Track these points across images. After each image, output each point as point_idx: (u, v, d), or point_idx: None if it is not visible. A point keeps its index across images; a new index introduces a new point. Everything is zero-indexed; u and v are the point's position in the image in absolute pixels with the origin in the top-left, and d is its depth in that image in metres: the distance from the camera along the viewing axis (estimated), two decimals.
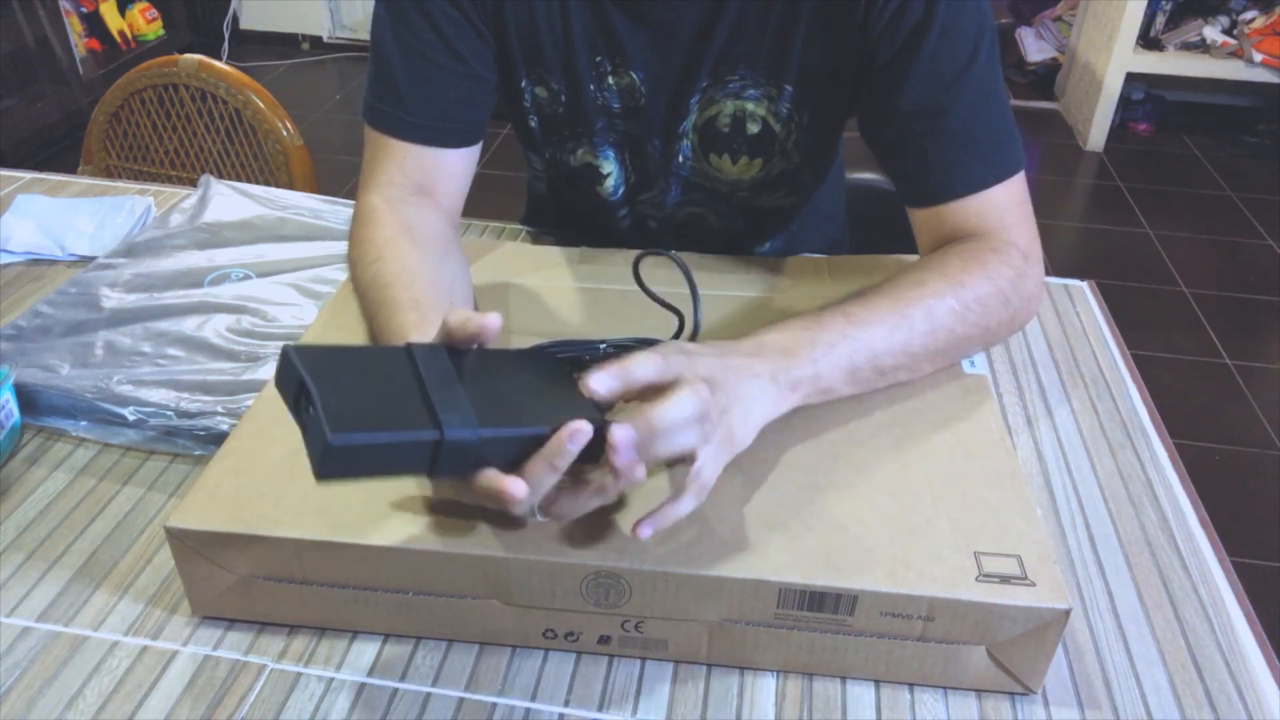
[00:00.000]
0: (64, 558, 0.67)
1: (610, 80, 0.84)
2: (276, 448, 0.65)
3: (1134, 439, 0.78)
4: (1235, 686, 0.60)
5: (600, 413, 0.54)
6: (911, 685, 0.59)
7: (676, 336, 0.72)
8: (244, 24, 3.97)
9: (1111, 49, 3.05)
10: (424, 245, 0.76)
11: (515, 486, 0.50)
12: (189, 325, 0.85)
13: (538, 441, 0.51)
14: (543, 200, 1.07)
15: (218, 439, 0.73)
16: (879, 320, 0.67)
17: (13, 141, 2.88)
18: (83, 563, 0.67)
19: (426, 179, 0.82)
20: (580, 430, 0.50)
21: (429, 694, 0.59)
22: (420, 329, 0.65)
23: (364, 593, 0.60)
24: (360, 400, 0.47)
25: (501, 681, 0.59)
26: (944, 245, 0.76)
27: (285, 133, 1.42)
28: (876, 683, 0.60)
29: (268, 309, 0.87)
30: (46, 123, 3.01)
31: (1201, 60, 3.08)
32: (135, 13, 3.46)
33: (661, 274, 0.89)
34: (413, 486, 0.61)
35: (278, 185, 1.35)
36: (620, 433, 0.51)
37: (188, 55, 1.45)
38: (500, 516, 0.58)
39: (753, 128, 0.84)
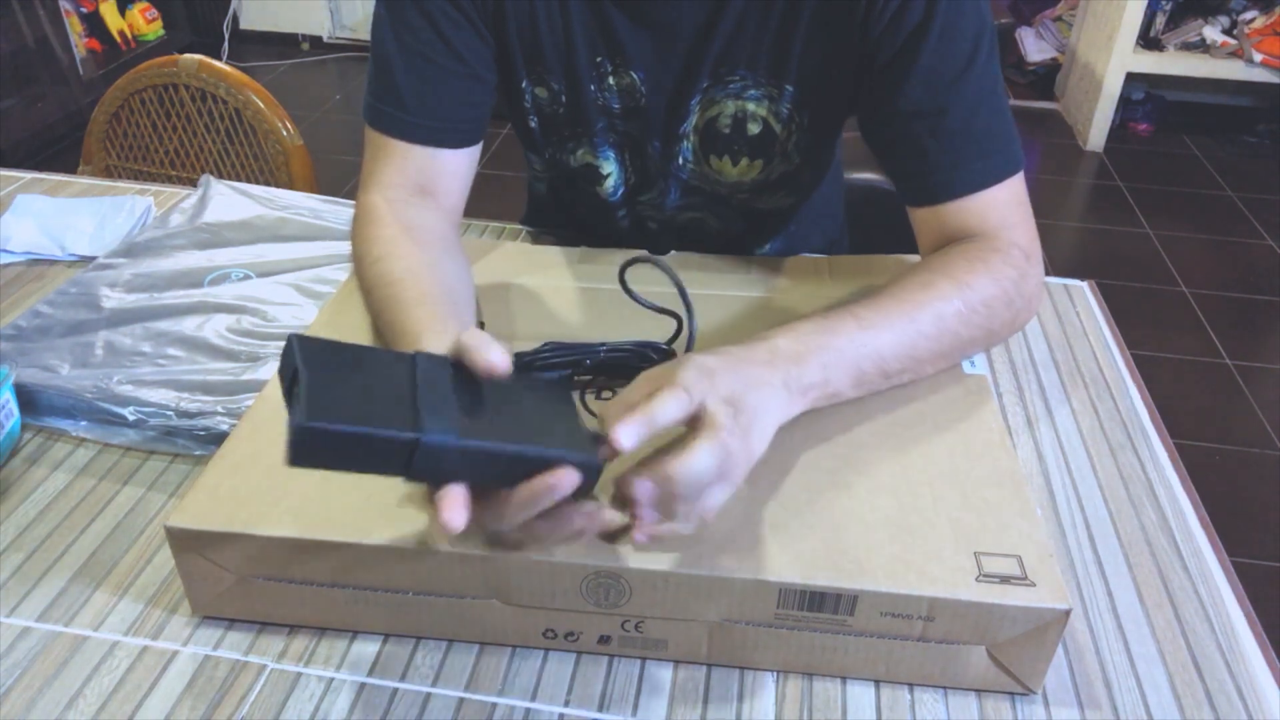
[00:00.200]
0: (64, 558, 0.67)
1: (610, 80, 0.84)
2: (276, 448, 0.64)
3: (1134, 439, 0.78)
4: (1235, 686, 0.60)
5: (594, 444, 0.53)
6: (911, 685, 0.59)
7: (674, 338, 0.72)
8: (244, 24, 3.97)
9: (1111, 49, 3.06)
10: (427, 245, 0.76)
11: (452, 518, 0.48)
12: (189, 325, 0.85)
13: (520, 461, 0.50)
14: (543, 200, 1.07)
15: (218, 439, 0.73)
16: (887, 324, 0.67)
17: (13, 141, 2.88)
18: (83, 563, 0.67)
19: (427, 179, 0.82)
20: (564, 481, 0.49)
21: (429, 694, 0.59)
22: (430, 326, 0.64)
23: (364, 593, 0.60)
24: (347, 392, 0.47)
25: (501, 681, 0.59)
26: (946, 245, 0.76)
27: (285, 133, 1.42)
28: (876, 683, 0.60)
29: (268, 309, 0.87)
30: (46, 123, 3.01)
31: (1201, 60, 3.08)
32: (135, 13, 3.46)
33: (658, 274, 0.89)
34: (412, 486, 0.61)
35: (278, 185, 1.35)
36: (640, 488, 0.51)
37: (188, 55, 1.45)
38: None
39: (753, 128, 0.84)
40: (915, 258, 0.82)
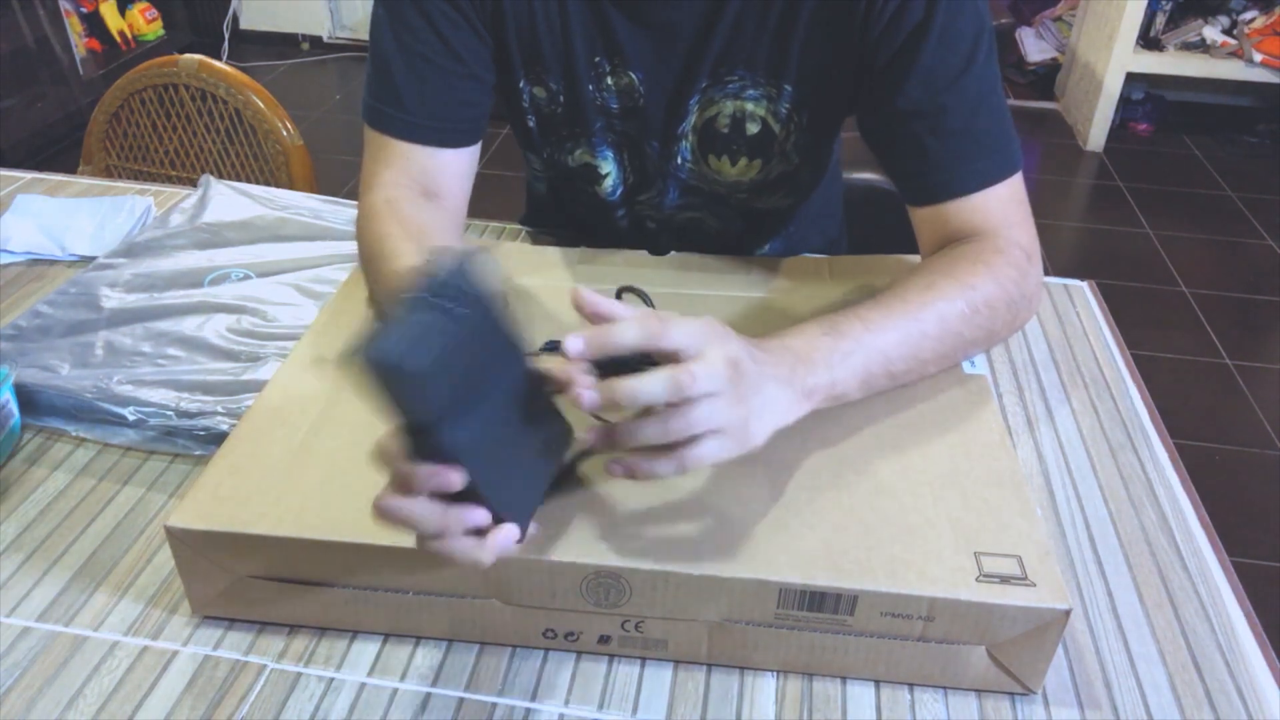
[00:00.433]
0: (64, 558, 0.67)
1: (609, 80, 0.84)
2: (276, 448, 0.65)
3: (1134, 439, 0.78)
4: (1235, 686, 0.60)
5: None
6: (911, 685, 0.59)
7: None
8: (244, 24, 3.96)
9: (1111, 49, 3.05)
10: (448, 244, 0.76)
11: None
12: (189, 325, 0.85)
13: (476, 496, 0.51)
14: (542, 200, 1.07)
15: (218, 439, 0.73)
16: (893, 326, 0.67)
17: (13, 141, 2.88)
18: (83, 563, 0.67)
19: (430, 180, 0.82)
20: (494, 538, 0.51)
21: (429, 694, 0.59)
22: None
23: (364, 593, 0.60)
24: (426, 346, 0.45)
25: (501, 681, 0.59)
26: (946, 244, 0.76)
27: (285, 133, 1.42)
28: (876, 683, 0.60)
29: (268, 309, 0.87)
30: (46, 123, 3.01)
31: (1201, 60, 3.08)
32: (135, 13, 3.46)
33: (660, 275, 0.89)
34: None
35: (278, 185, 1.35)
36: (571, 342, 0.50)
37: (188, 55, 1.45)
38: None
39: (752, 128, 0.84)
40: (915, 258, 0.82)
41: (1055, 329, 0.91)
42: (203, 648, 0.61)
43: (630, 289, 0.73)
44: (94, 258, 0.98)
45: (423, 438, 0.48)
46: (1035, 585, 0.56)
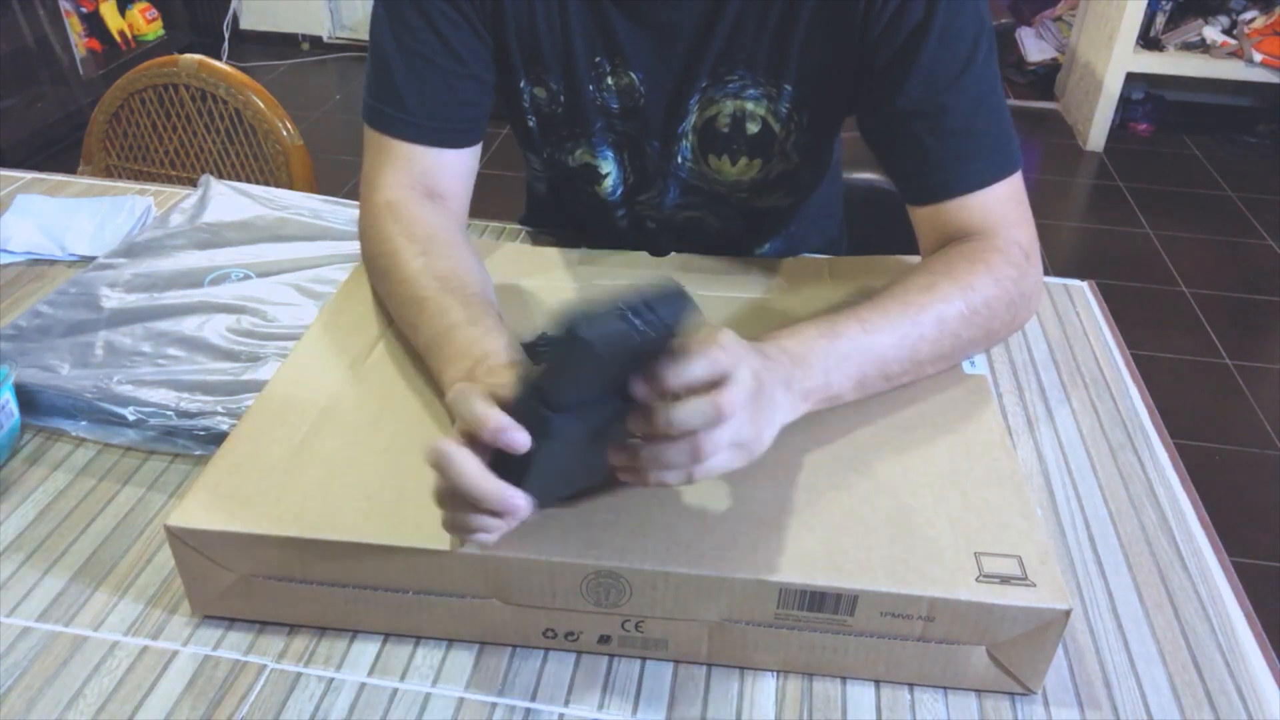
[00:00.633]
0: (64, 558, 0.67)
1: (609, 80, 0.84)
2: (276, 448, 0.65)
3: (1134, 439, 0.78)
4: (1235, 686, 0.60)
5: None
6: (911, 685, 0.59)
7: None
8: (244, 24, 3.96)
9: (1111, 49, 3.05)
10: (456, 246, 0.77)
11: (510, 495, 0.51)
12: (189, 325, 0.85)
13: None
14: (542, 200, 1.07)
15: (218, 439, 0.73)
16: (891, 328, 0.67)
17: (13, 141, 2.88)
18: (83, 563, 0.67)
19: (431, 180, 0.82)
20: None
21: (429, 694, 0.59)
22: (493, 333, 0.65)
23: (364, 592, 0.60)
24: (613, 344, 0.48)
25: (501, 681, 0.59)
26: (946, 243, 0.76)
27: (285, 133, 1.42)
28: (876, 683, 0.60)
29: (268, 309, 0.87)
30: (46, 123, 3.00)
31: (1201, 60, 3.08)
32: (135, 13, 3.46)
33: (658, 275, 0.89)
34: (411, 486, 0.61)
35: (278, 185, 1.35)
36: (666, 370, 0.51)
37: (188, 55, 1.45)
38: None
39: (752, 128, 0.84)
40: (915, 258, 0.82)
41: (1055, 329, 0.91)
42: (203, 648, 0.61)
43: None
44: (94, 258, 0.98)
45: (539, 410, 0.50)
46: (1035, 585, 0.56)
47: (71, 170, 1.32)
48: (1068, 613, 0.55)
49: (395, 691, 0.59)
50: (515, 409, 0.51)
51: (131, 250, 0.96)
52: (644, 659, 0.61)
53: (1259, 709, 0.58)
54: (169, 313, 0.86)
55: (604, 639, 0.60)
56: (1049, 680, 0.59)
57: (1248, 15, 3.08)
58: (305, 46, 3.93)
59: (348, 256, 0.94)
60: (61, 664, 0.60)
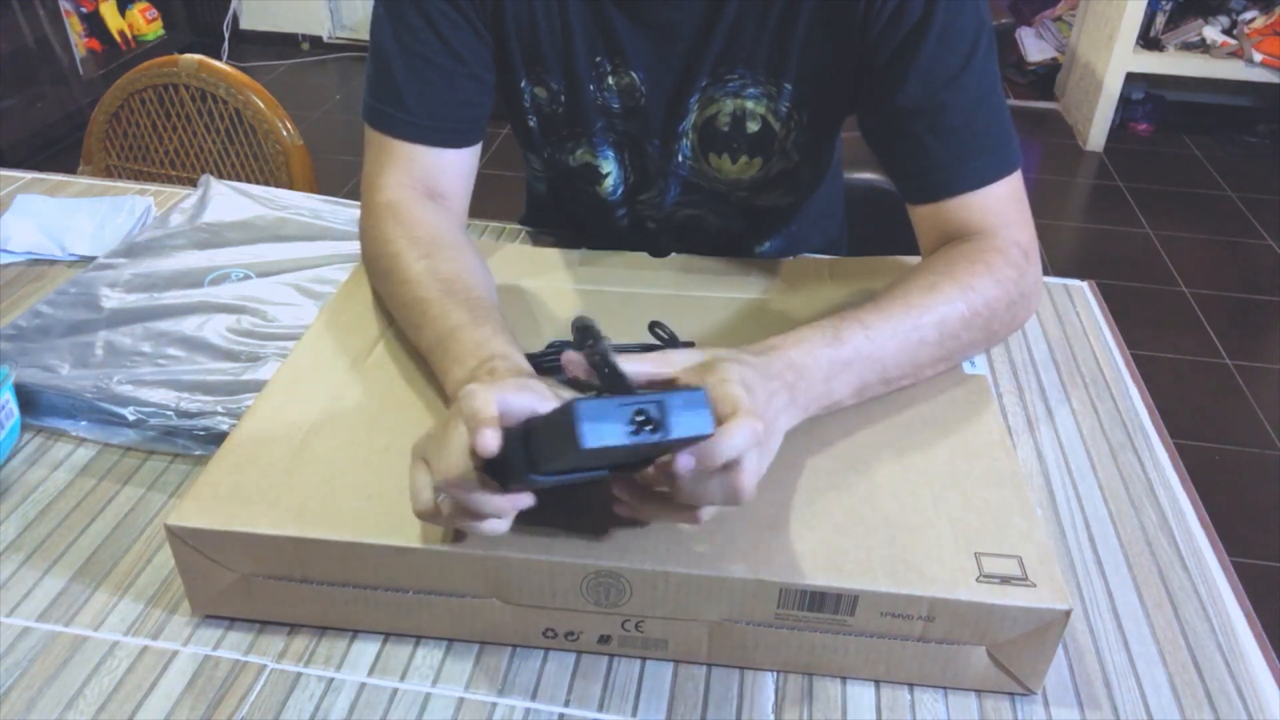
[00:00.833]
0: (64, 558, 0.67)
1: (610, 80, 0.84)
2: (276, 448, 0.65)
3: (1134, 439, 0.78)
4: (1235, 686, 0.60)
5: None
6: (911, 685, 0.59)
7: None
8: (244, 24, 3.96)
9: (1111, 49, 3.05)
10: (459, 248, 0.77)
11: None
12: (189, 325, 0.85)
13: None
14: (542, 200, 1.07)
15: (218, 439, 0.73)
16: (893, 334, 0.67)
17: (13, 141, 2.88)
18: (83, 563, 0.67)
19: (432, 180, 0.82)
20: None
21: (429, 694, 0.59)
22: (498, 334, 0.66)
23: (364, 592, 0.60)
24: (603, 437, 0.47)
25: (501, 681, 0.59)
26: (946, 242, 0.76)
27: (285, 133, 1.42)
28: (876, 683, 0.60)
29: (268, 309, 0.87)
30: (46, 123, 3.01)
31: (1201, 60, 3.08)
32: (135, 13, 3.46)
33: (660, 277, 0.89)
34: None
35: (278, 185, 1.35)
36: (682, 463, 0.50)
37: (188, 55, 1.45)
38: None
39: (752, 126, 0.84)
40: (916, 259, 0.82)
41: (1055, 329, 0.91)
42: (203, 648, 0.61)
43: (658, 325, 0.72)
44: (94, 258, 0.98)
45: (522, 465, 0.50)
46: (1035, 585, 0.56)
47: (71, 170, 1.32)
48: (1068, 613, 0.55)
49: (395, 691, 0.59)
50: (502, 449, 0.50)
51: (131, 250, 0.96)
52: (644, 659, 0.61)
53: (1259, 709, 0.58)
54: (169, 313, 0.86)
55: (604, 639, 0.60)
56: (1049, 680, 0.59)
57: (1248, 15, 3.08)
58: (305, 46, 3.93)
59: (348, 256, 0.94)
60: (61, 664, 0.60)
